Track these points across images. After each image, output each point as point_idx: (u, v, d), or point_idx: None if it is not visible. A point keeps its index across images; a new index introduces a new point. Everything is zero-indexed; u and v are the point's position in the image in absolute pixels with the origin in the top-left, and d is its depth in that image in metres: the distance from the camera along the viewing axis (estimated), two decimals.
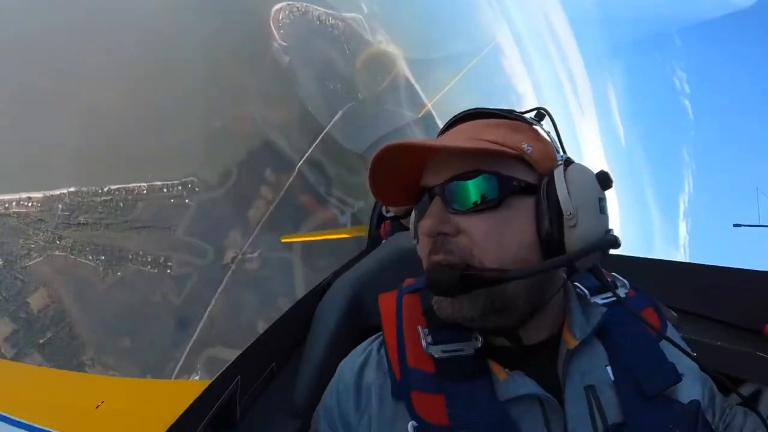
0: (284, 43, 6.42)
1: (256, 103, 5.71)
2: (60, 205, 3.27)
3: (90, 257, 3.42)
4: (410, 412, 0.57)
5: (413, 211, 0.67)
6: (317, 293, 1.21)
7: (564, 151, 0.63)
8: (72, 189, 3.35)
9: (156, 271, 4.21)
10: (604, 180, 0.55)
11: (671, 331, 0.67)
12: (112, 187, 3.95)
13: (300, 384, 0.87)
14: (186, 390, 0.71)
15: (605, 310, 0.61)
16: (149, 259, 4.29)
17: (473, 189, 0.55)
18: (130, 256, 4.19)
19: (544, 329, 0.62)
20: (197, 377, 3.48)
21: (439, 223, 0.56)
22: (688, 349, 0.57)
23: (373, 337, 0.72)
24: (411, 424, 0.56)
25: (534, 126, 0.64)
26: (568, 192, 0.53)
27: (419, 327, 0.63)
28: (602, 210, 0.55)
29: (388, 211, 2.65)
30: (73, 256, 3.25)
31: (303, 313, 1.10)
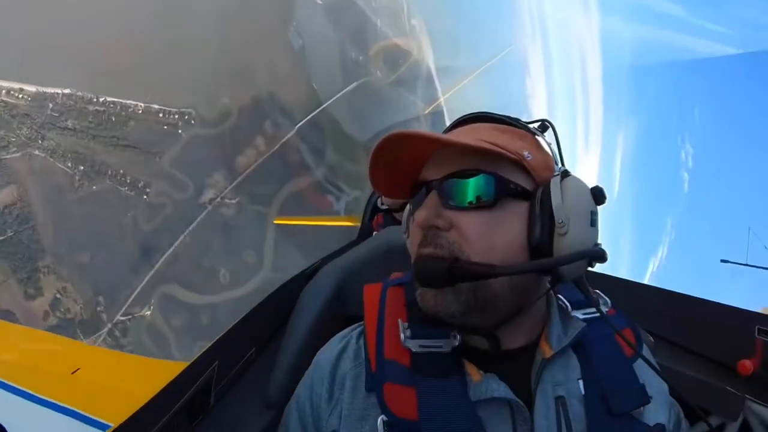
0: (319, 2, 6.19)
1: (275, 54, 5.52)
2: (51, 105, 3.14)
3: (69, 164, 3.30)
4: (380, 405, 0.58)
5: (407, 205, 0.69)
6: (303, 278, 1.20)
7: (563, 164, 0.66)
8: (67, 91, 3.21)
9: (132, 193, 4.11)
10: (598, 195, 0.59)
11: (647, 355, 0.68)
12: (108, 99, 3.79)
13: (276, 374, 0.87)
14: (162, 369, 0.71)
15: (584, 325, 0.63)
16: (128, 180, 4.17)
17: (471, 187, 0.58)
18: (110, 173, 4.06)
19: (523, 335, 0.63)
20: (148, 312, 3.47)
21: (433, 216, 0.57)
22: (661, 373, 0.59)
23: (354, 325, 0.73)
24: (381, 419, 0.57)
25: (537, 136, 0.67)
26: (562, 201, 0.56)
27: (399, 320, 0.64)
28: (593, 223, 0.58)
29: (382, 204, 2.65)
30: (52, 160, 3.14)
31: (287, 297, 1.09)
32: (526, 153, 0.59)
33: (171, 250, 4.09)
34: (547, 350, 0.60)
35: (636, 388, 0.60)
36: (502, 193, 0.56)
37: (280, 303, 1.10)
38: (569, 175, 0.60)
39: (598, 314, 0.63)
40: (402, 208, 2.37)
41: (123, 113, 3.96)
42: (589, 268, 0.59)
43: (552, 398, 0.57)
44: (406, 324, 0.62)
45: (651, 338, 0.97)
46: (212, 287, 4.23)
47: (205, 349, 0.77)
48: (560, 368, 0.60)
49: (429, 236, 0.57)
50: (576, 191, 0.57)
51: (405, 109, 7.97)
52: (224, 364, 0.83)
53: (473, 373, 0.58)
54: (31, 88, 2.94)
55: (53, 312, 3.03)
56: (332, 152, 6.08)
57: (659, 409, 0.63)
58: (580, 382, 0.59)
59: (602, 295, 0.69)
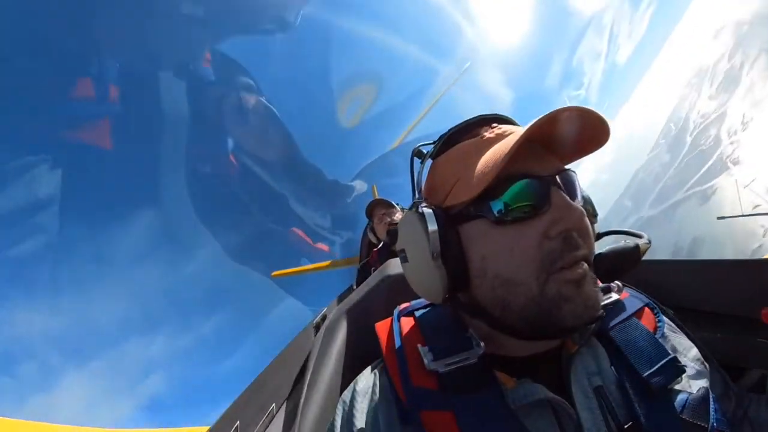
0: None
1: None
2: None
3: None
4: None
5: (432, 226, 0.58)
6: (312, 330, 1.20)
7: None
8: None
9: None
10: None
11: (670, 326, 0.71)
12: None
13: (303, 423, 0.85)
14: None
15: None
16: None
17: (579, 183, 0.60)
18: None
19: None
20: None
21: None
22: (693, 339, 0.63)
23: (373, 364, 0.71)
24: None
25: None
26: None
27: (419, 345, 0.63)
28: None
29: (378, 240, 2.68)
30: None
31: (300, 350, 1.09)
32: None
33: None
34: (571, 345, 0.62)
35: (668, 361, 0.60)
36: None
37: (294, 357, 1.09)
38: None
39: (612, 300, 0.66)
40: (393, 240, 2.34)
41: None
42: None
43: (590, 390, 0.57)
44: (427, 348, 0.62)
45: (670, 311, 1.00)
46: None
47: (225, 411, 0.80)
48: (590, 359, 0.61)
49: (574, 240, 0.54)
50: None
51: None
52: (246, 422, 0.83)
53: (506, 381, 0.58)
54: None
55: None
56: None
57: (698, 374, 0.64)
58: (613, 368, 0.60)
59: None
